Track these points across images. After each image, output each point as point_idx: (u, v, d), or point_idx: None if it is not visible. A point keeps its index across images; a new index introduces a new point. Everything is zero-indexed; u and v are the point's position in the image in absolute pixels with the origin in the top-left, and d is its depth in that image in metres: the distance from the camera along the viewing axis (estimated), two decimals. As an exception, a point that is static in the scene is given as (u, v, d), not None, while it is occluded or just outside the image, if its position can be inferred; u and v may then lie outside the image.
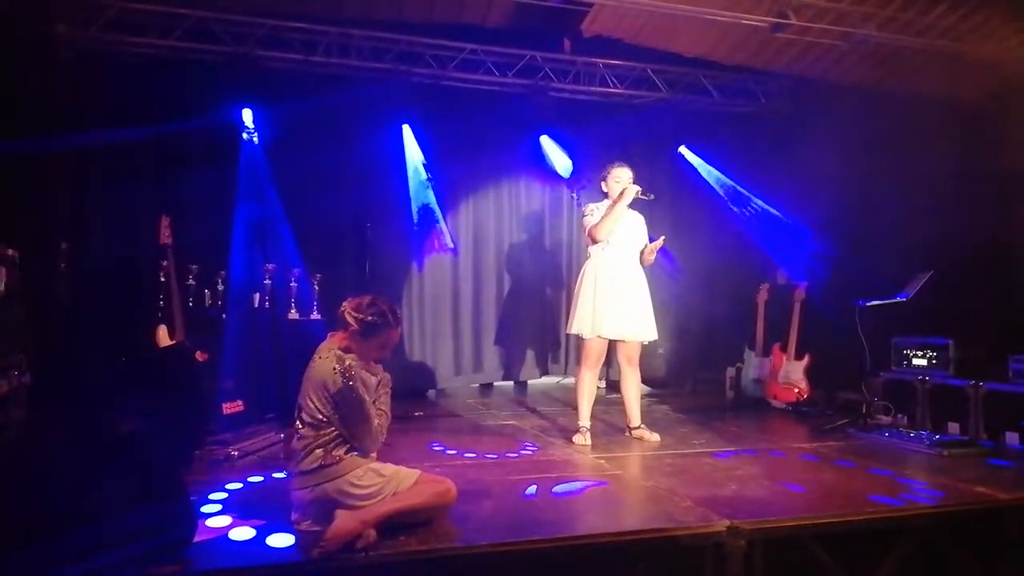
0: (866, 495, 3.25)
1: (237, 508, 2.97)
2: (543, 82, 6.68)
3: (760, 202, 7.07)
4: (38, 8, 5.32)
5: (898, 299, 5.04)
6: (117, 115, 5.28)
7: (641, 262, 4.66)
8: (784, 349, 6.09)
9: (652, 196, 4.60)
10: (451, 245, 7.00)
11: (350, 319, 2.74)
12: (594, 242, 4.60)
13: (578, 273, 4.81)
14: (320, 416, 2.67)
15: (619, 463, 3.99)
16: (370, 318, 2.74)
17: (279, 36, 5.94)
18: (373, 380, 2.80)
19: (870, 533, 3.00)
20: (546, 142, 7.25)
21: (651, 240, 4.66)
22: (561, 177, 7.28)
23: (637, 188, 4.55)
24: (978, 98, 5.44)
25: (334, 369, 2.65)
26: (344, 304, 2.80)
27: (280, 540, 2.58)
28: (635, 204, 4.67)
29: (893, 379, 5.28)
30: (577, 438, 4.48)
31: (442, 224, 6.98)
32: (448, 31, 6.22)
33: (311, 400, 2.68)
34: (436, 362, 6.94)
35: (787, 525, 2.87)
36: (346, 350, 2.74)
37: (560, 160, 7.23)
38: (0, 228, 3.89)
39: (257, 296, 5.52)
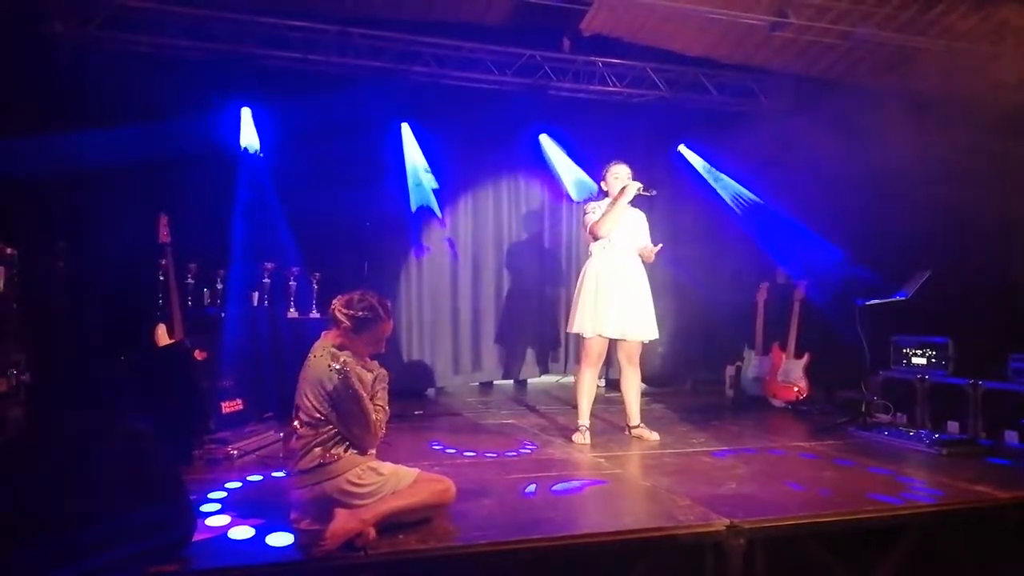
0: (866, 494, 3.26)
1: (236, 507, 2.97)
2: (542, 81, 6.66)
3: (760, 200, 7.07)
4: (35, 7, 5.30)
5: (897, 298, 5.04)
6: (115, 113, 5.26)
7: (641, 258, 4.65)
8: (784, 348, 6.09)
9: (654, 192, 4.59)
10: (449, 241, 7.00)
11: (341, 316, 2.75)
12: (596, 239, 4.58)
13: (577, 271, 4.80)
14: (318, 415, 2.66)
15: (618, 462, 3.99)
16: (360, 313, 2.74)
17: (278, 34, 5.93)
18: (369, 376, 2.80)
19: (870, 532, 3.01)
20: (545, 141, 7.25)
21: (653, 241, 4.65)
22: (559, 179, 7.28)
23: (638, 185, 4.53)
24: (978, 96, 5.43)
25: (329, 367, 2.65)
26: (334, 302, 2.81)
27: (279, 539, 2.58)
28: (637, 202, 4.66)
29: (892, 378, 5.28)
30: (576, 437, 4.48)
31: (441, 223, 6.98)
32: (447, 29, 6.21)
33: (308, 399, 2.68)
34: (435, 361, 6.93)
35: (787, 524, 2.88)
36: (340, 347, 2.74)
37: (559, 159, 7.23)
38: (-2, 227, 3.88)
39: (256, 295, 5.52)
